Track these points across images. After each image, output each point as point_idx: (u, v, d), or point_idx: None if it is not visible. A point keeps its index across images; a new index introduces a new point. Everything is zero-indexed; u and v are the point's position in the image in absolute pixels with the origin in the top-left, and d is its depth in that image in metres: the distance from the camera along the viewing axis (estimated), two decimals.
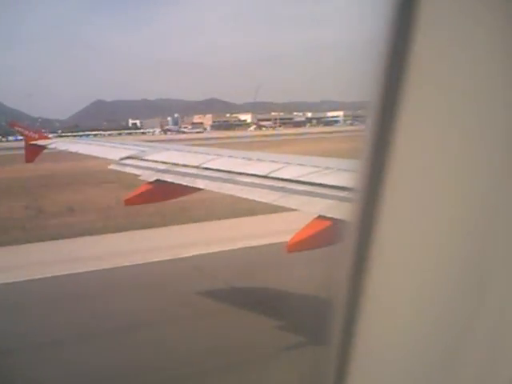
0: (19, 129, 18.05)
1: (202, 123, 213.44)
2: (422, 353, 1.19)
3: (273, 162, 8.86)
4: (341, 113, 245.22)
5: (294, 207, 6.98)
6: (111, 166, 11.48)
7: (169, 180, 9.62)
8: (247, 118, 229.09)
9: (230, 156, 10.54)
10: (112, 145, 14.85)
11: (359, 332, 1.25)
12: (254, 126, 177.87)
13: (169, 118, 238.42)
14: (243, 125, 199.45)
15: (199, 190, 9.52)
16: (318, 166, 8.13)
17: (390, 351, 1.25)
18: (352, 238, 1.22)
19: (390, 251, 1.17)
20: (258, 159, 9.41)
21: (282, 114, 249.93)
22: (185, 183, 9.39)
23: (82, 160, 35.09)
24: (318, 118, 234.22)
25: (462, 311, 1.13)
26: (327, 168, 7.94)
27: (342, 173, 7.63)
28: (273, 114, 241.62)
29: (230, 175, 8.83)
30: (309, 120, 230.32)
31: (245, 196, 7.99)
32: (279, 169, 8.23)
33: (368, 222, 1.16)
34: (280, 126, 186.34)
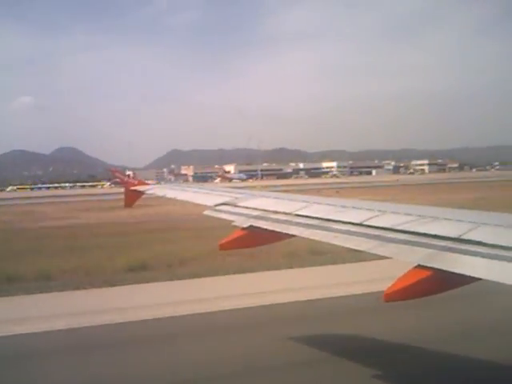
0: (120, 175, 19.40)
1: (186, 174, 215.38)
2: None
3: (367, 210, 8.90)
4: (334, 164, 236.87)
5: (390, 256, 6.96)
6: (206, 212, 11.98)
7: (262, 226, 9.90)
8: (231, 168, 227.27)
9: (321, 203, 10.70)
10: (204, 191, 15.54)
11: None
12: (220, 179, 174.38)
13: (164, 170, 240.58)
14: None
15: (292, 236, 9.71)
16: (412, 215, 8.09)
17: None
18: None
19: None
20: (352, 207, 9.50)
21: (273, 164, 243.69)
22: (278, 229, 9.62)
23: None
24: (307, 169, 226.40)
25: None
26: (422, 216, 7.89)
27: (439, 221, 7.55)
28: (265, 164, 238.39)
29: (323, 222, 8.97)
30: (296, 171, 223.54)
31: (339, 243, 8.07)
32: (373, 217, 8.27)
33: None
34: (256, 179, 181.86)
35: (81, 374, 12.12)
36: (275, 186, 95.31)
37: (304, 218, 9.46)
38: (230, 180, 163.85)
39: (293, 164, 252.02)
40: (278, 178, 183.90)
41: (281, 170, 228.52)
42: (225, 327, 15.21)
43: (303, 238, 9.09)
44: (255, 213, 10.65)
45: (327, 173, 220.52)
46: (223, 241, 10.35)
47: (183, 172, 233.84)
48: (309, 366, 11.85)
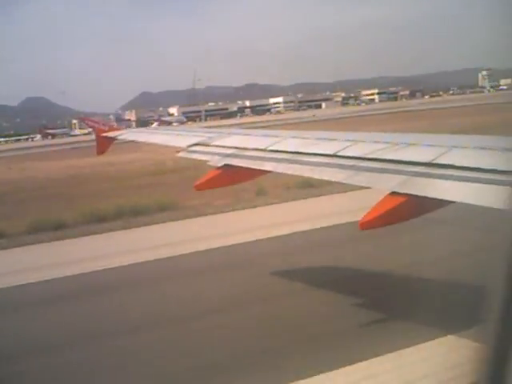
0: (89, 123, 18.90)
1: (129, 119, 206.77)
2: None
3: (340, 141, 8.86)
4: (280, 99, 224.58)
5: (365, 185, 7.01)
6: (180, 154, 11.82)
7: (237, 164, 9.83)
8: (174, 111, 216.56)
9: (294, 137, 10.62)
10: (177, 133, 15.31)
11: None
12: (157, 123, 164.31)
13: (111, 116, 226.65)
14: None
15: (267, 172, 9.69)
16: (384, 142, 8.10)
17: None
18: None
19: None
20: (325, 139, 9.45)
21: (219, 103, 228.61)
22: (252, 166, 9.56)
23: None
24: (253, 107, 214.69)
25: None
26: (395, 144, 7.90)
27: (411, 147, 7.58)
28: (211, 104, 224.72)
29: (297, 156, 8.92)
30: (241, 110, 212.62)
31: (315, 176, 8.08)
32: (346, 147, 8.25)
33: None
34: (200, 120, 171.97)
35: None
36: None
37: (277, 153, 9.41)
38: (169, 123, 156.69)
39: (240, 102, 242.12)
40: (222, 118, 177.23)
41: (226, 109, 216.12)
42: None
43: (278, 172, 9.10)
44: (229, 151, 10.54)
45: (269, 110, 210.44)
46: (198, 181, 10.30)
47: (127, 117, 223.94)
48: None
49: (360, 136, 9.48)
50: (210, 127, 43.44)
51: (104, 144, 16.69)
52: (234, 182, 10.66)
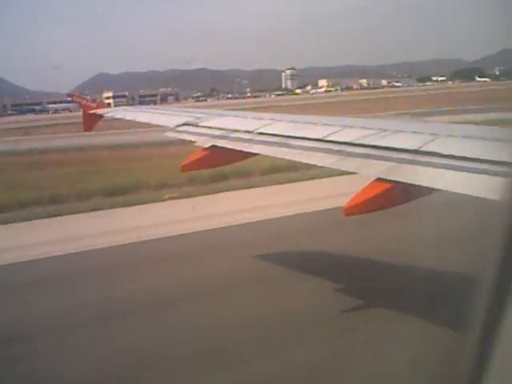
0: (77, 99, 18.64)
1: None
2: None
3: (329, 125, 8.84)
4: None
5: (352, 170, 7.01)
6: (168, 133, 11.72)
7: (224, 146, 9.77)
8: None
9: (283, 120, 10.56)
10: (164, 112, 15.16)
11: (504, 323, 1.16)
12: None
13: None
14: None
15: (254, 154, 9.65)
16: (373, 128, 8.08)
17: None
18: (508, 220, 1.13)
19: None
20: (313, 123, 9.42)
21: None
22: (240, 148, 9.51)
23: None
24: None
25: None
26: (383, 130, 7.89)
27: (398, 134, 7.58)
28: None
29: (285, 139, 8.87)
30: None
31: (303, 160, 8.06)
32: (335, 132, 8.23)
33: None
34: None
35: None
36: None
37: (266, 136, 9.35)
38: None
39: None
40: None
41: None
42: None
43: (266, 155, 9.06)
44: (217, 132, 10.47)
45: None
46: (184, 162, 10.22)
47: None
48: None
49: (352, 121, 9.46)
50: None
51: (91, 121, 16.53)
52: (221, 163, 10.59)
